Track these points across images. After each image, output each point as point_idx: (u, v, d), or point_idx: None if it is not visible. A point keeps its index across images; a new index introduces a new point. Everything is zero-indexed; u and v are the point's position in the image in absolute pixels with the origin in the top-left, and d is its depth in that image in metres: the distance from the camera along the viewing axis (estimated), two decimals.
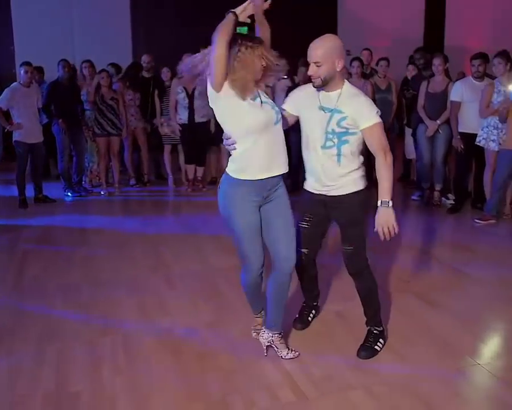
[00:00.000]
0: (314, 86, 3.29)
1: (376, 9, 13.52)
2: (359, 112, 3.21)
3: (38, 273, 5.13)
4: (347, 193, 3.39)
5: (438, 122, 6.96)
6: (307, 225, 3.55)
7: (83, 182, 8.48)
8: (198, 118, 7.94)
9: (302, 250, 3.57)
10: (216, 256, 5.44)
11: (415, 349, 3.60)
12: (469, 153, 6.81)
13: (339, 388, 3.20)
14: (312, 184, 3.48)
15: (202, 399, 3.12)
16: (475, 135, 6.63)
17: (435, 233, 6.32)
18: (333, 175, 3.35)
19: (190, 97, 7.86)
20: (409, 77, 8.14)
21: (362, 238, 3.48)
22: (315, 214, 3.53)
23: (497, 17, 14.22)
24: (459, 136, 6.78)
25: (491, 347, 3.74)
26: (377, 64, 8.13)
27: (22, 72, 7.37)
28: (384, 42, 12.48)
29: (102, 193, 8.22)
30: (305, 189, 3.55)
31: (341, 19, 13.54)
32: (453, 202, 7.13)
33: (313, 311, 3.98)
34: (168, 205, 8.05)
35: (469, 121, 6.70)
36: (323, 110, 3.28)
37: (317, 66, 3.18)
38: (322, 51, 3.16)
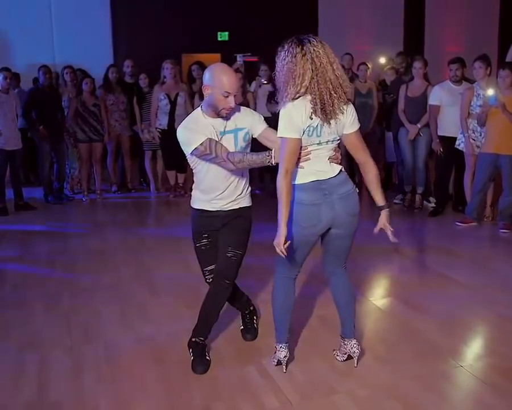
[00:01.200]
0: (224, 116, 3.32)
1: (357, 14, 13.63)
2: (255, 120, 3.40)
3: (18, 280, 5.08)
4: (246, 205, 3.55)
5: (418, 125, 7.01)
6: (208, 243, 3.60)
7: (64, 189, 8.42)
8: (178, 125, 7.89)
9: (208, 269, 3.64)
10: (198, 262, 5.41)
11: (398, 352, 3.61)
12: (448, 156, 6.86)
13: (323, 392, 3.19)
14: (212, 203, 3.49)
15: (186, 407, 3.10)
16: (454, 139, 6.69)
17: (417, 236, 6.36)
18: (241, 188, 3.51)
19: (173, 103, 7.84)
20: (387, 82, 8.21)
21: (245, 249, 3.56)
22: (212, 231, 3.56)
23: (475, 21, 14.40)
24: (438, 140, 6.83)
25: (473, 349, 3.76)
26: (358, 69, 8.19)
27: (1, 78, 7.30)
28: (365, 46, 12.56)
29: (84, 199, 8.17)
30: (201, 209, 3.54)
31: (322, 25, 13.61)
32: (434, 205, 7.18)
33: (254, 317, 3.93)
34: (149, 211, 8.01)
35: (447, 125, 6.76)
36: (226, 133, 3.36)
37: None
38: None
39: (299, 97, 2.95)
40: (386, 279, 4.96)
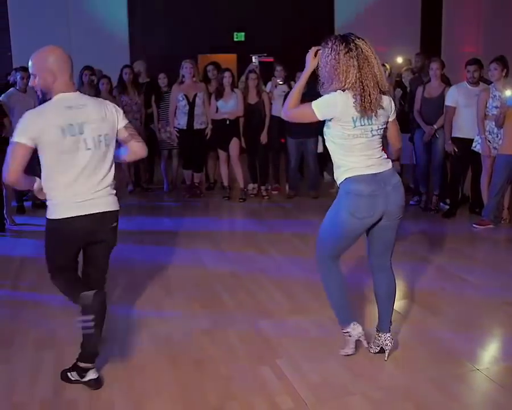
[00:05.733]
0: None
1: (374, 14, 13.58)
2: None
3: (34, 279, 5.11)
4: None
5: (435, 126, 6.97)
6: None
7: None
8: (197, 125, 7.95)
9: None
10: (213, 261, 5.43)
11: (414, 355, 3.60)
12: (464, 158, 6.81)
13: (338, 393, 3.19)
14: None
15: (200, 406, 3.11)
16: (470, 140, 6.64)
17: (433, 238, 6.31)
18: None
19: (191, 104, 7.86)
20: (404, 82, 8.15)
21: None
22: None
23: (493, 22, 14.27)
24: (450, 141, 6.79)
25: (490, 352, 3.74)
26: None
27: (18, 77, 7.36)
28: (381, 47, 12.50)
29: None
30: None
31: (338, 25, 13.58)
32: (449, 206, 7.14)
33: None
34: (164, 210, 8.03)
35: (463, 126, 6.72)
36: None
37: None
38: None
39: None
40: (402, 282, 4.93)
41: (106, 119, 3.22)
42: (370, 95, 3.07)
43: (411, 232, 6.36)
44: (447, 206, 7.19)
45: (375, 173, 3.21)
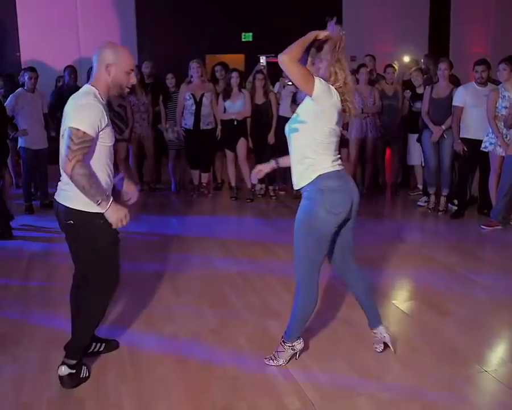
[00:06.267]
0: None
1: (381, 14, 13.56)
2: None
3: (42, 279, 5.13)
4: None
5: (443, 127, 6.95)
6: None
7: None
8: (203, 126, 7.96)
9: None
10: (221, 262, 5.44)
11: (421, 356, 3.59)
12: (472, 158, 6.80)
13: (345, 394, 3.18)
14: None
15: (208, 406, 3.11)
16: (478, 141, 6.62)
17: (441, 239, 6.30)
18: None
19: (198, 103, 7.88)
20: (414, 83, 8.12)
21: None
22: None
23: (502, 23, 14.23)
24: (459, 141, 6.77)
25: (498, 353, 3.72)
26: (385, 71, 8.13)
27: (26, 77, 7.39)
28: (389, 47, 12.48)
29: None
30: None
31: (346, 25, 13.53)
32: (457, 207, 7.11)
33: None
34: (172, 210, 8.04)
35: (471, 127, 6.70)
36: None
37: None
38: None
39: None
40: (410, 282, 4.93)
41: None
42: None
43: (419, 233, 6.35)
44: (455, 207, 7.17)
45: (342, 170, 3.27)
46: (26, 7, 11.78)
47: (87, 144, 2.97)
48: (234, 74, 7.77)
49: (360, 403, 3.10)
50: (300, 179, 3.30)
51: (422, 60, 9.16)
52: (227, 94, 7.79)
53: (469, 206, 7.09)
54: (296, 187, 3.36)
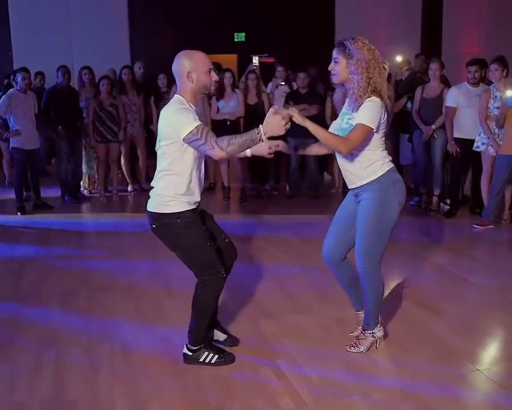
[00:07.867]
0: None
1: (374, 14, 13.59)
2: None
3: (35, 278, 5.12)
4: None
5: (433, 127, 6.97)
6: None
7: (81, 188, 8.46)
8: None
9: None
10: None
11: (414, 355, 3.59)
12: (464, 158, 6.82)
13: (338, 394, 3.19)
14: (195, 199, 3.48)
15: (201, 407, 3.11)
16: (470, 141, 6.64)
17: (433, 238, 6.32)
18: None
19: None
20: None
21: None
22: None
23: (493, 23, 14.28)
24: (453, 141, 6.79)
25: (490, 352, 3.74)
26: None
27: (19, 78, 7.36)
28: (381, 47, 12.47)
29: (101, 199, 8.20)
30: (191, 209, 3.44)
31: (338, 26, 13.59)
32: (449, 206, 7.13)
33: None
34: None
35: (464, 127, 6.71)
36: None
37: None
38: None
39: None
40: (402, 281, 4.94)
41: None
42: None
43: (411, 232, 6.36)
44: (447, 207, 7.19)
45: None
46: (17, 6, 11.73)
47: (206, 128, 3.14)
48: (227, 75, 7.77)
49: (353, 403, 3.11)
50: (360, 178, 3.41)
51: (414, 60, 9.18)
52: (220, 94, 7.78)
53: (461, 206, 7.11)
54: (353, 185, 3.46)
